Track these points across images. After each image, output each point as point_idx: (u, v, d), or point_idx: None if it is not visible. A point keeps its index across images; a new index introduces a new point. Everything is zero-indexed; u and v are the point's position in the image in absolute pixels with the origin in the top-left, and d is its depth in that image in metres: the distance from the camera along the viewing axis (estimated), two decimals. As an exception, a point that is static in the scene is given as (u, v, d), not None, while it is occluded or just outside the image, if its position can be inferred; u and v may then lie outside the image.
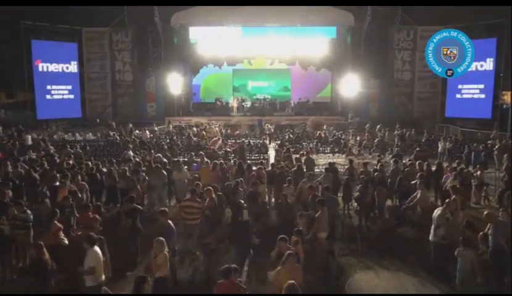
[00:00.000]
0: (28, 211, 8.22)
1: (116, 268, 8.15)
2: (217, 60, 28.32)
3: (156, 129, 22.93)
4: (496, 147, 16.16)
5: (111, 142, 18.95)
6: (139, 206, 8.75)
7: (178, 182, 11.58)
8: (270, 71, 30.39)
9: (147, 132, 21.26)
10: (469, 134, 21.17)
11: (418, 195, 9.79)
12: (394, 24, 26.02)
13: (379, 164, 12.56)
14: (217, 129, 22.03)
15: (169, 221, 7.54)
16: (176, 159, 14.48)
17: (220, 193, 9.56)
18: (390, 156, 15.97)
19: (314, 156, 14.93)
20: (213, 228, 8.85)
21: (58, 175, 10.74)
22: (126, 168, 11.89)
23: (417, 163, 12.44)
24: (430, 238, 7.94)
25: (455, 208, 8.58)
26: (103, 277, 6.35)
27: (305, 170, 11.93)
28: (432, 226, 7.90)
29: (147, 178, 11.31)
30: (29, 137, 19.26)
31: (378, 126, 22.17)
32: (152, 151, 15.15)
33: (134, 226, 8.25)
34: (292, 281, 5.06)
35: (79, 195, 9.72)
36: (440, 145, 17.61)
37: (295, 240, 6.78)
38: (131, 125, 22.58)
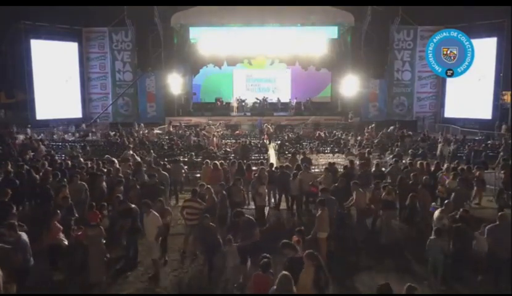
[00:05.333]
0: (20, 233, 6.68)
1: (116, 268, 8.19)
2: (217, 60, 28.36)
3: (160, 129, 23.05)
4: (502, 147, 16.09)
5: (111, 142, 18.93)
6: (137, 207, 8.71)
7: (147, 231, 7.92)
8: (270, 71, 30.39)
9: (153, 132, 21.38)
10: (469, 133, 21.15)
11: (354, 197, 9.69)
12: (394, 24, 25.96)
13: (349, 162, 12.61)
14: (219, 129, 22.01)
15: (20, 233, 6.52)
16: (176, 158, 14.47)
17: (224, 192, 9.54)
18: (391, 156, 15.94)
19: (314, 156, 14.92)
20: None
21: (58, 174, 10.73)
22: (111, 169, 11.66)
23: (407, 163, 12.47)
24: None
25: (453, 211, 8.57)
26: None
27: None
28: (433, 228, 7.87)
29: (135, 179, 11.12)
30: (21, 137, 19.18)
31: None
32: (151, 151, 15.12)
33: (133, 226, 8.23)
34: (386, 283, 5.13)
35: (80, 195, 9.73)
36: (439, 148, 17.35)
37: (297, 240, 6.75)
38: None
